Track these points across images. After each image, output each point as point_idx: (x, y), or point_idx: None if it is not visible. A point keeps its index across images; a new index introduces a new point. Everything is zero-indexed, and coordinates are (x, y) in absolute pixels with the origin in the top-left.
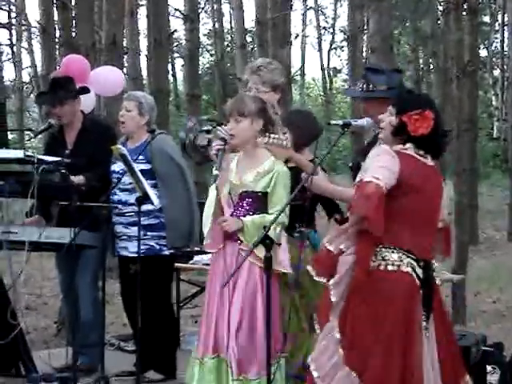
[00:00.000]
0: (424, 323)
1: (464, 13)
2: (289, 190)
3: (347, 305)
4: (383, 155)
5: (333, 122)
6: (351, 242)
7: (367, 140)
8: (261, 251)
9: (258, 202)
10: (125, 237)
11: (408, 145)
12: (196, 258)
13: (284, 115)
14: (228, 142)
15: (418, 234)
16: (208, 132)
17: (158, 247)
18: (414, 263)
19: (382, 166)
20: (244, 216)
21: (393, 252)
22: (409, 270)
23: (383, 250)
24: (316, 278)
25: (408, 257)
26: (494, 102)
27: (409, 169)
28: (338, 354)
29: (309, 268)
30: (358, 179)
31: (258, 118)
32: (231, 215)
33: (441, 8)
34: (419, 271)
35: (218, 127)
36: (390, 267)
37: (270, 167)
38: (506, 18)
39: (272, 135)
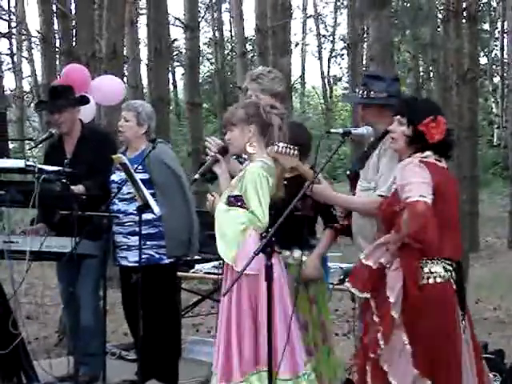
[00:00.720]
0: (463, 323)
1: (463, 20)
2: (259, 189)
3: (411, 319)
4: (416, 169)
5: (333, 130)
6: (392, 256)
7: (365, 148)
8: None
9: (240, 204)
10: (124, 246)
11: (427, 152)
12: (197, 266)
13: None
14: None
15: (453, 238)
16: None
17: (157, 256)
18: (451, 268)
19: (421, 182)
20: None
21: (437, 263)
22: (449, 277)
23: (428, 262)
24: (359, 295)
25: (448, 264)
26: (494, 110)
27: (437, 177)
28: (414, 369)
29: (347, 285)
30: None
31: (248, 123)
32: None
33: (440, 16)
34: (454, 275)
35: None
36: (438, 279)
37: (246, 169)
38: (505, 26)
39: (281, 144)
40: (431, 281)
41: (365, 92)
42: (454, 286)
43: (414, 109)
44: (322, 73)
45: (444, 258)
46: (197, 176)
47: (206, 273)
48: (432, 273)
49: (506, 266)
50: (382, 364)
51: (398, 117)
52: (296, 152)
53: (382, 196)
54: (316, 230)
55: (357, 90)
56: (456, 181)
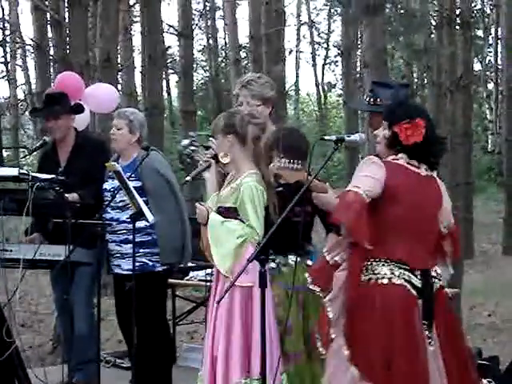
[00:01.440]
0: (426, 332)
1: (457, 27)
2: (257, 203)
3: (349, 321)
4: (368, 165)
5: (326, 137)
6: (346, 256)
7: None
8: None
9: (232, 216)
10: (118, 254)
11: (400, 155)
12: (191, 273)
13: (277, 135)
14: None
15: (411, 244)
16: (207, 148)
17: (150, 264)
18: (408, 273)
19: (364, 176)
20: None
21: (383, 265)
22: (401, 281)
23: (374, 263)
24: (310, 287)
25: (400, 268)
26: (488, 116)
27: (396, 178)
28: (351, 370)
29: (306, 275)
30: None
31: (227, 133)
32: None
33: (434, 22)
34: (416, 281)
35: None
36: (380, 281)
37: (240, 182)
38: (499, 32)
39: (283, 160)
40: (373, 281)
41: (371, 99)
42: (414, 293)
43: (393, 111)
44: (317, 79)
45: (394, 260)
46: (188, 178)
47: (200, 280)
48: (375, 274)
49: (501, 272)
50: (326, 367)
51: (383, 121)
52: (299, 166)
53: None
54: (312, 236)
55: (364, 97)
56: (435, 189)
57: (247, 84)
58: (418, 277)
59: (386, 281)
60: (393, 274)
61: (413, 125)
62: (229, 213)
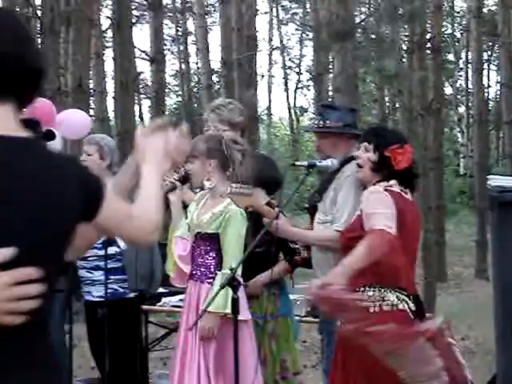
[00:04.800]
0: None
1: (428, 51)
2: (240, 231)
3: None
4: (379, 198)
5: (297, 163)
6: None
7: (321, 180)
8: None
9: (212, 242)
10: (88, 281)
11: (392, 181)
12: (164, 299)
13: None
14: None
15: (409, 271)
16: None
17: (121, 290)
18: (407, 299)
19: (384, 213)
20: (201, 256)
21: (390, 292)
22: (404, 306)
23: (382, 290)
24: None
25: (401, 294)
26: (459, 139)
27: (401, 208)
28: None
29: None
30: (367, 228)
31: (209, 158)
32: (188, 254)
33: (405, 47)
34: (411, 306)
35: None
36: (385, 308)
37: (224, 209)
38: (469, 56)
39: (234, 185)
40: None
41: (320, 122)
42: (412, 316)
43: (382, 135)
44: (289, 104)
45: (397, 288)
46: None
47: (173, 306)
48: (385, 300)
49: (474, 295)
50: None
51: (365, 143)
52: (250, 191)
53: (338, 231)
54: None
55: (311, 121)
56: (419, 216)
57: (216, 109)
58: (413, 301)
59: (392, 307)
60: (398, 300)
61: (403, 150)
62: (211, 239)
